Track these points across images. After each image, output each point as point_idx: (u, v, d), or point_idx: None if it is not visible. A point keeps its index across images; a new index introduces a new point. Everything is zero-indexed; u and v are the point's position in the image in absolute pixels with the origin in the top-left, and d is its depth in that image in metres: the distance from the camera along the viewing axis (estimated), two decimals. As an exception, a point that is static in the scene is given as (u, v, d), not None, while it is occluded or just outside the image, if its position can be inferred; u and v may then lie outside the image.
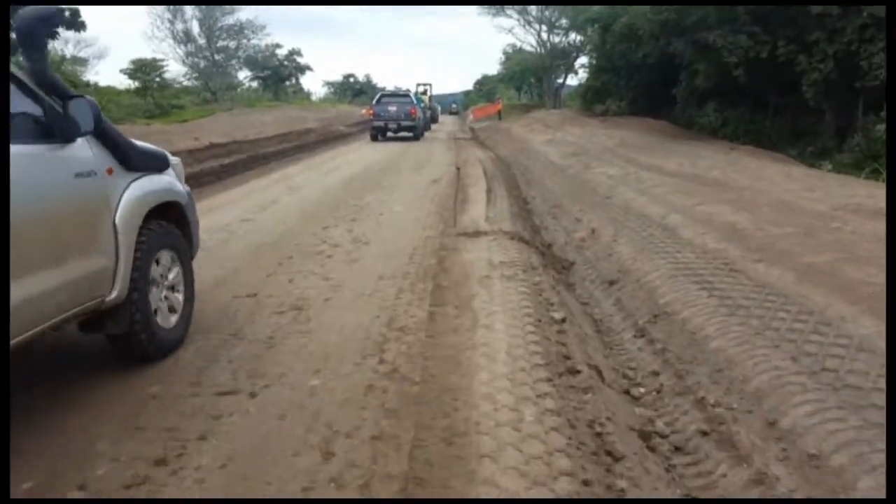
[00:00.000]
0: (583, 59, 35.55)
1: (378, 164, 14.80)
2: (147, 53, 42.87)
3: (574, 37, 34.28)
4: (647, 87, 22.02)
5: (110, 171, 3.15)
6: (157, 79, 32.05)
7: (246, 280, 5.00)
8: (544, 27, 35.42)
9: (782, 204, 7.04)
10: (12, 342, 2.41)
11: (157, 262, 3.45)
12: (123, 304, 3.13)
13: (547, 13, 34.31)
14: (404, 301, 4.44)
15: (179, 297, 3.69)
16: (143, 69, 32.33)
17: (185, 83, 38.16)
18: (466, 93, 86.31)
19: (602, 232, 7.23)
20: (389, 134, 22.80)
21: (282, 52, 48.21)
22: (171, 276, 3.61)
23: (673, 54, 19.49)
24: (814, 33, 11.92)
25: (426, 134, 26.72)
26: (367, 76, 71.56)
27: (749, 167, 10.00)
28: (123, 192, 3.20)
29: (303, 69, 48.53)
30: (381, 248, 6.19)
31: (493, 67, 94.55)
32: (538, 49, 37.44)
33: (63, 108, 2.86)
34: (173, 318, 3.59)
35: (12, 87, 2.67)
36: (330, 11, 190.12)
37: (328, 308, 4.34)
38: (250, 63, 46.23)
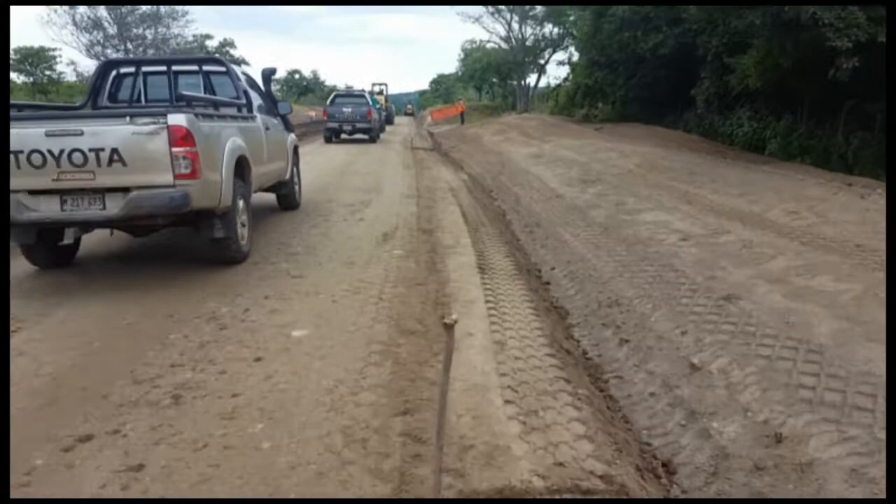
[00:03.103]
0: (559, 55, 31.44)
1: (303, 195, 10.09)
2: (46, 42, 36.50)
3: (551, 28, 29.97)
4: (650, 86, 17.87)
5: (285, 130, 7.88)
6: (48, 71, 26.12)
7: None
8: (516, 17, 30.99)
9: None
10: (266, 186, 7.23)
11: None
12: (289, 181, 7.96)
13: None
14: None
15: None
16: (30, 60, 26.31)
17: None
18: (422, 93, 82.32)
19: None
20: (344, 136, 21.51)
21: (212, 44, 42.84)
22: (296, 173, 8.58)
23: (692, 45, 15.44)
24: (964, 7, 7.78)
25: (381, 136, 24.12)
26: (315, 73, 66.59)
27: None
28: (289, 137, 8.04)
29: (238, 63, 43.03)
30: None
31: (449, 67, 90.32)
32: (509, 42, 33.03)
33: (276, 106, 7.51)
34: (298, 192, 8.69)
35: (258, 95, 7.27)
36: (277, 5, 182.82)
37: None
38: (175, 55, 40.74)
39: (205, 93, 6.72)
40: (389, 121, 35.07)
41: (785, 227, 6.17)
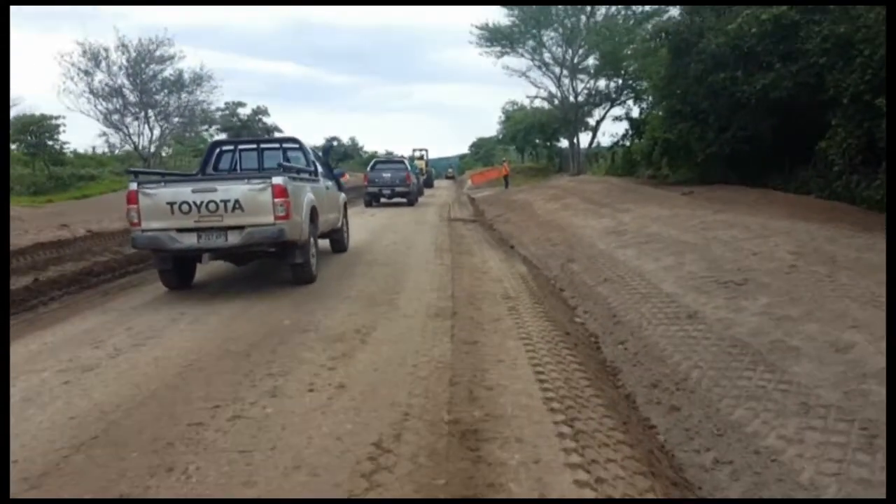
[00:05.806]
0: (615, 111, 28.00)
1: (263, 315, 6.51)
2: (63, 111, 34.75)
3: (606, 83, 26.60)
4: (750, 139, 14.01)
5: (338, 190, 10.43)
6: (50, 141, 23.90)
7: None
8: (565, 71, 27.79)
9: None
10: (322, 232, 8.83)
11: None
12: (341, 228, 10.15)
13: (569, 53, 26.78)
14: None
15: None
16: (31, 131, 24.11)
17: (126, 147, 30.93)
18: (462, 156, 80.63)
19: None
20: (383, 200, 22.00)
21: (245, 111, 41.31)
22: (346, 224, 10.78)
23: (816, 85, 11.68)
24: None
25: (418, 200, 24.36)
26: (353, 139, 65.10)
27: None
28: (341, 196, 10.45)
29: (270, 131, 41.31)
30: None
31: (489, 130, 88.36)
32: (557, 98, 29.78)
33: (332, 172, 10.37)
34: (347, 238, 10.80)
35: (320, 164, 9.85)
36: (315, 76, 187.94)
37: None
38: (207, 122, 39.24)
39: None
40: (429, 184, 34.26)
41: None
